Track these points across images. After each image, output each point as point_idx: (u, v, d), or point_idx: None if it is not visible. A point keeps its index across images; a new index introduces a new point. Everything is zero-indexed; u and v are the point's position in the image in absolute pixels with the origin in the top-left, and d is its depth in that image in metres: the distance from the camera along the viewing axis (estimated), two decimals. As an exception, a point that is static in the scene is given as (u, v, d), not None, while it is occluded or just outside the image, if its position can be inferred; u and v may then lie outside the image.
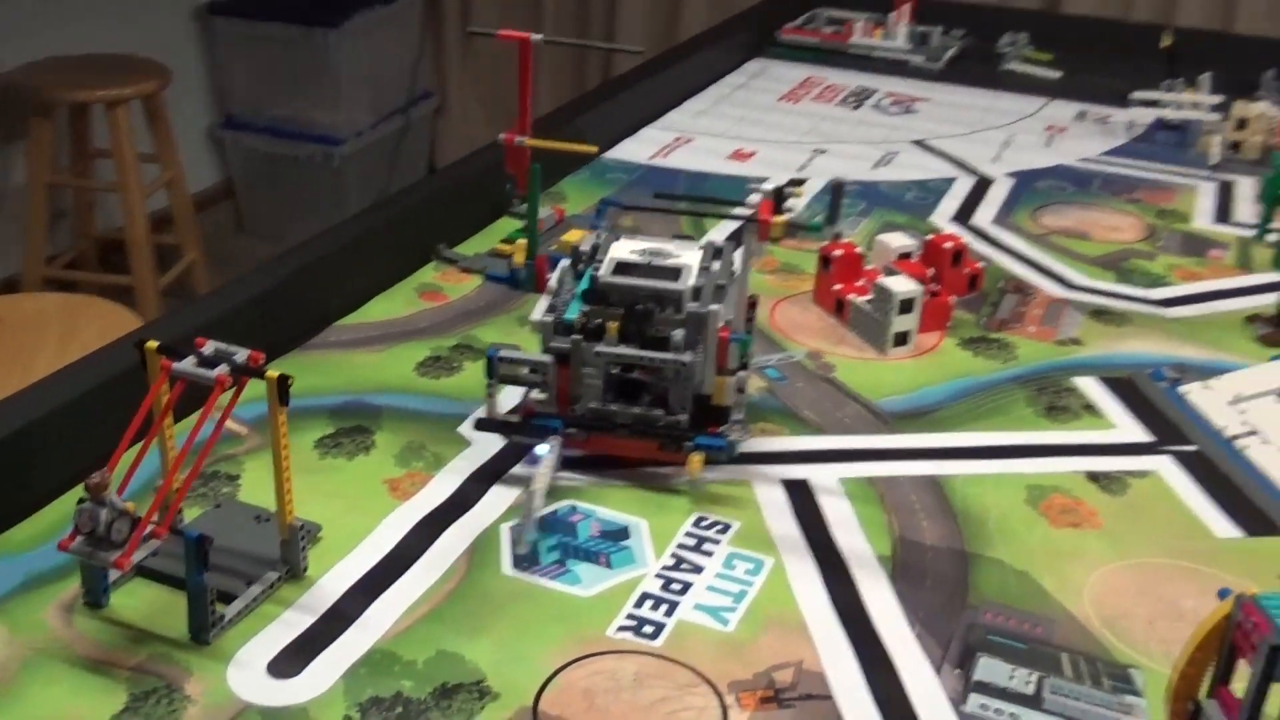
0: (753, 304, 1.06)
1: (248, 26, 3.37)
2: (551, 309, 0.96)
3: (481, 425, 0.98)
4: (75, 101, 2.81)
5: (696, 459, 0.93)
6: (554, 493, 0.93)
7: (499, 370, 0.95)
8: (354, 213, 1.47)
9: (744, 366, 0.96)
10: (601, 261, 0.96)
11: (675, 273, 0.95)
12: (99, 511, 0.74)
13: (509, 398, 0.99)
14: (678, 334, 0.92)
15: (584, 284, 0.97)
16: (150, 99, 2.87)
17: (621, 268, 0.95)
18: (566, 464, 0.96)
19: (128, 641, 0.78)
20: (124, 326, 1.72)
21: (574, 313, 0.95)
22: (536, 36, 1.09)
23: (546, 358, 0.94)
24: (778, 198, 0.96)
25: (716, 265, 0.98)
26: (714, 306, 0.92)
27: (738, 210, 1.04)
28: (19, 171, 2.95)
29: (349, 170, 3.46)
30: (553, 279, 0.98)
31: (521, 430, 0.97)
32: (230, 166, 3.58)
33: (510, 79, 1.30)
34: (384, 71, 3.53)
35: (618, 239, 1.00)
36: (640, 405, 0.95)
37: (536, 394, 0.96)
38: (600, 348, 0.93)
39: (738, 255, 1.03)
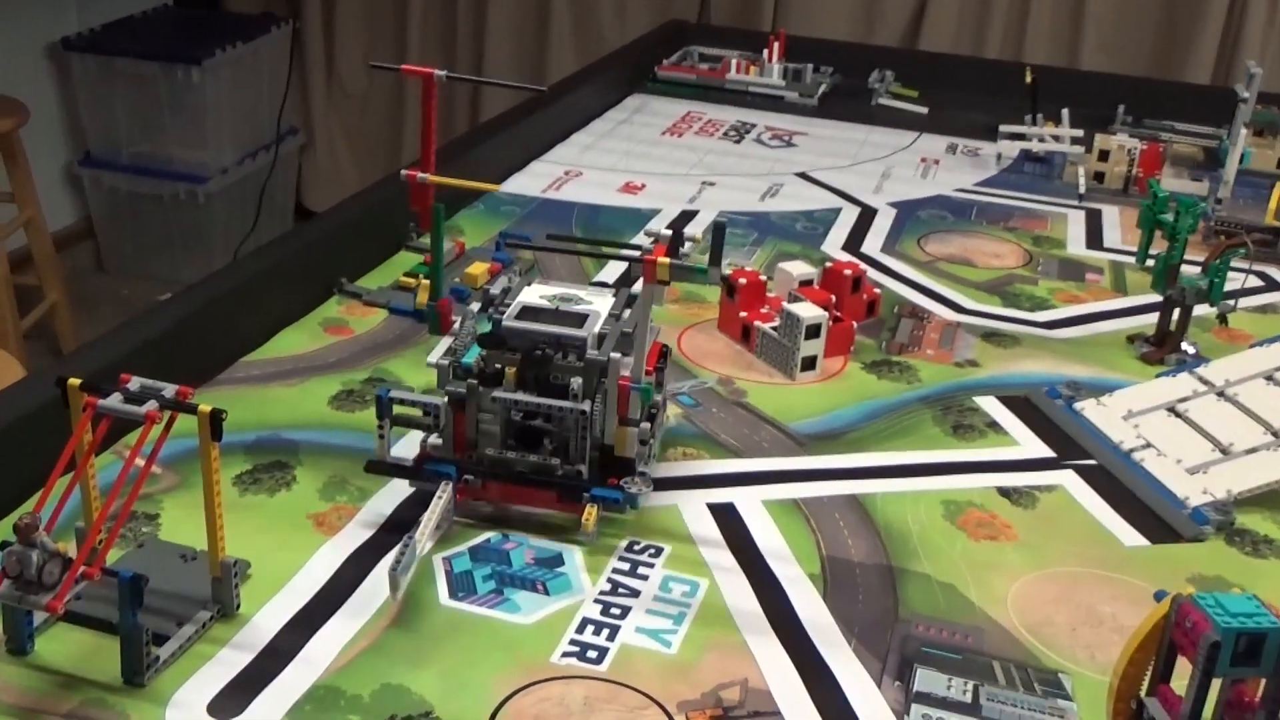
0: (663, 352, 1.01)
1: (105, 63, 3.27)
2: (451, 351, 0.94)
3: (371, 468, 0.94)
4: (-75, 139, 2.69)
5: (591, 513, 0.90)
6: (448, 538, 0.92)
7: (389, 411, 0.92)
8: (219, 250, 1.45)
9: (652, 417, 0.95)
10: (508, 305, 0.94)
11: (580, 319, 0.93)
12: (29, 554, 0.71)
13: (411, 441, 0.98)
14: (576, 381, 0.89)
15: (485, 327, 0.94)
16: (5, 137, 2.76)
17: (526, 312, 0.94)
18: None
19: (57, 688, 0.75)
20: (2, 368, 1.65)
21: (474, 356, 0.93)
22: (440, 73, 1.08)
23: (438, 400, 0.91)
24: (673, 242, 0.91)
25: (628, 313, 0.96)
26: (614, 354, 0.90)
27: (625, 251, 1.01)
28: None
29: (214, 207, 3.38)
30: (456, 321, 0.96)
31: (413, 475, 0.94)
32: (90, 205, 3.47)
33: (376, 117, 1.31)
34: (249, 108, 3.47)
35: (530, 283, 0.99)
36: (540, 454, 0.92)
37: (434, 438, 0.92)
38: (497, 393, 0.90)
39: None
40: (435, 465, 0.92)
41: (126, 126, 3.34)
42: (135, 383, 0.79)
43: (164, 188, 3.35)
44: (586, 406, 0.89)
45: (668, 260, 0.87)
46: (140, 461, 0.77)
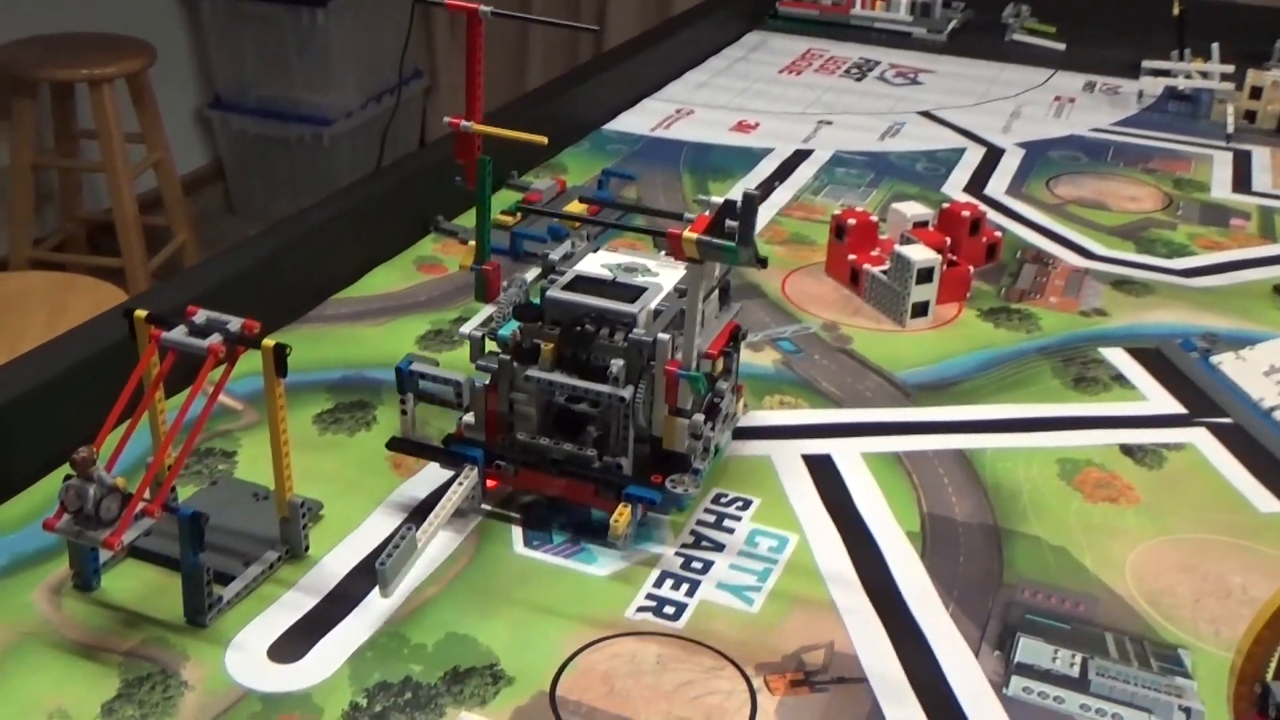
0: (736, 334, 0.88)
1: (233, 5, 3.31)
2: (488, 321, 0.84)
3: (393, 445, 0.86)
4: (58, 80, 2.75)
5: (623, 514, 0.79)
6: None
7: (412, 386, 0.85)
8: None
9: (713, 407, 0.84)
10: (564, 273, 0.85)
11: (637, 292, 0.82)
12: (86, 488, 0.69)
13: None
14: (616, 364, 0.79)
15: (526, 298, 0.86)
16: (135, 78, 2.81)
17: (579, 282, 0.83)
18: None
19: (120, 625, 0.74)
20: (114, 303, 1.67)
21: (511, 329, 0.82)
22: (485, 8, 0.98)
23: (460, 376, 0.84)
24: (722, 212, 0.77)
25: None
26: (662, 335, 0.79)
27: (658, 223, 0.88)
28: (3, 152, 2.89)
29: (339, 151, 3.40)
30: (506, 288, 0.86)
31: (437, 456, 0.85)
32: (219, 147, 3.52)
33: (501, 58, 1.25)
34: (373, 51, 3.48)
35: (596, 249, 0.89)
36: (580, 443, 0.82)
37: (468, 417, 0.85)
38: (532, 371, 0.81)
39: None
40: (461, 447, 0.84)
41: (254, 69, 3.38)
42: (201, 315, 0.76)
43: (289, 130, 3.38)
44: (627, 393, 0.79)
45: (694, 236, 0.75)
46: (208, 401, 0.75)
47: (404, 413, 0.87)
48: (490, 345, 0.83)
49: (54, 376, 0.89)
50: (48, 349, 0.93)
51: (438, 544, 0.81)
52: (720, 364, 0.84)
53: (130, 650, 0.72)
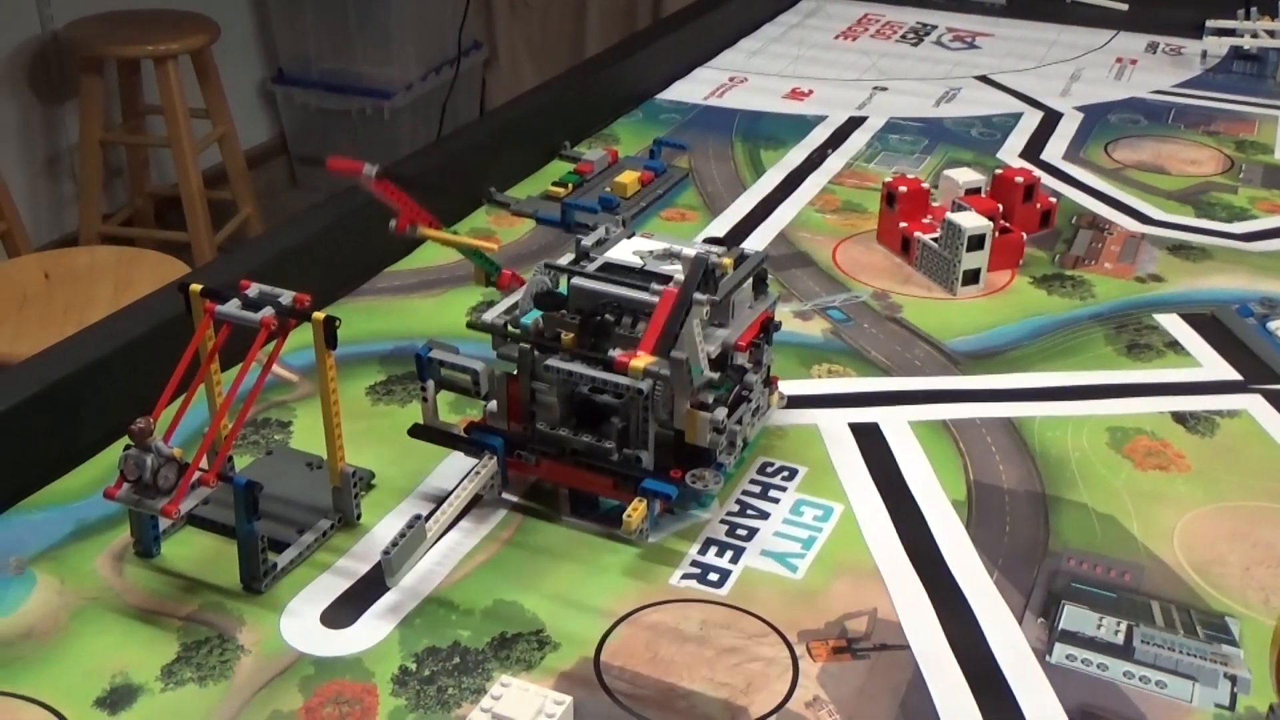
0: (767, 325, 0.86)
1: (295, -20, 3.34)
2: (511, 308, 0.83)
3: (415, 432, 0.85)
4: (124, 57, 2.79)
5: (637, 509, 0.77)
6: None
7: (433, 372, 0.83)
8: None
9: (741, 400, 0.82)
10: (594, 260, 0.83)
11: (664, 280, 0.79)
12: (144, 458, 0.72)
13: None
14: None
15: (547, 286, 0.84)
16: (199, 54, 2.84)
17: (606, 269, 0.82)
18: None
19: (179, 591, 0.76)
20: (178, 277, 1.70)
21: (533, 318, 0.81)
22: (369, 168, 0.86)
23: (478, 364, 0.82)
24: (706, 276, 0.75)
25: (730, 276, 0.81)
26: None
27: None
28: (72, 129, 2.95)
29: (400, 123, 3.43)
30: (534, 275, 0.84)
31: (459, 444, 0.84)
32: (283, 121, 3.56)
33: (558, 28, 1.25)
34: (433, 23, 3.49)
35: (631, 235, 0.87)
36: (603, 435, 0.80)
37: (492, 404, 0.83)
38: (552, 361, 0.79)
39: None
40: (482, 435, 0.83)
41: (316, 43, 3.41)
42: (254, 289, 0.78)
43: (351, 104, 3.41)
44: (646, 385, 0.76)
45: (643, 364, 0.73)
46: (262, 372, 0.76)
47: (424, 399, 0.84)
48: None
49: (116, 349, 0.92)
50: (110, 322, 0.96)
51: (487, 512, 0.82)
52: (750, 356, 0.83)
53: (189, 615, 0.74)
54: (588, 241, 0.86)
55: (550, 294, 0.82)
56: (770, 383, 0.89)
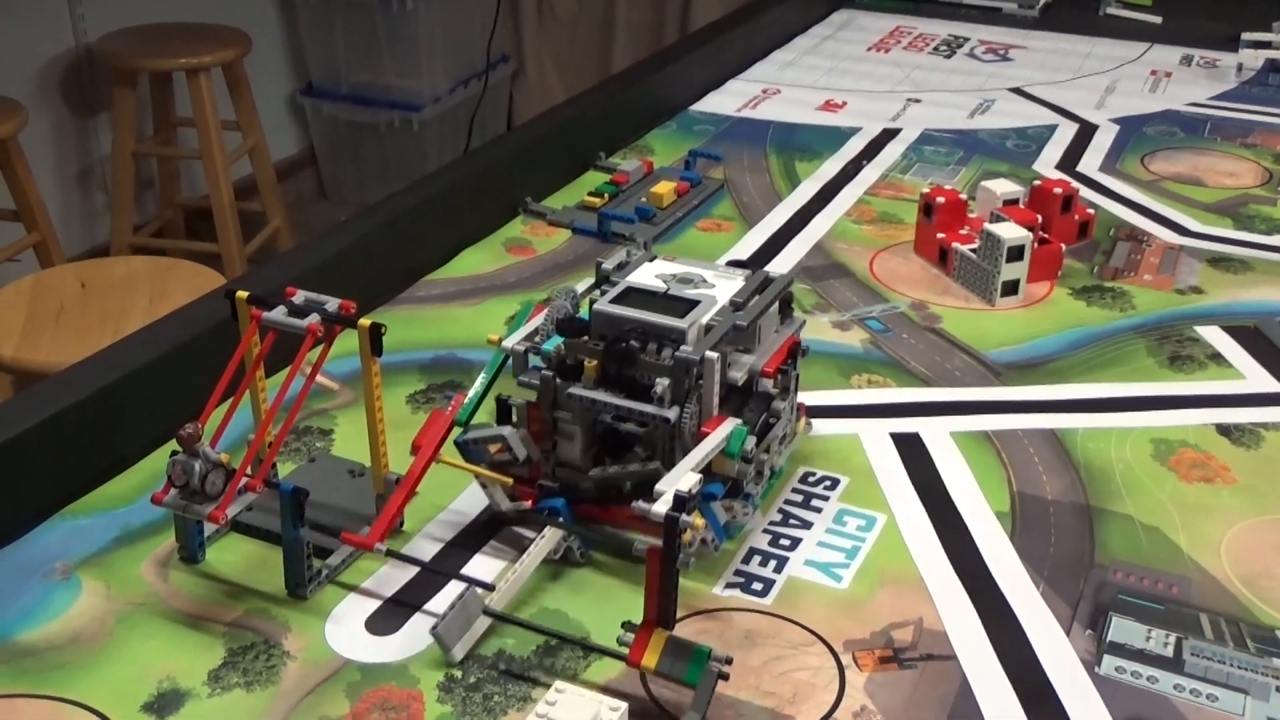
0: (795, 350, 0.83)
1: (326, -6, 3.36)
2: (533, 334, 0.80)
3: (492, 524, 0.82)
4: (156, 70, 2.82)
5: (694, 527, 0.68)
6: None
7: (477, 458, 0.80)
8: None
9: (768, 427, 0.79)
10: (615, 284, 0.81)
11: (689, 306, 0.77)
12: (192, 464, 0.72)
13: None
14: (662, 382, 0.74)
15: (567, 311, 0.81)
16: (230, 67, 2.86)
17: (629, 294, 0.79)
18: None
19: (224, 596, 0.76)
20: (212, 288, 1.71)
21: (555, 344, 0.78)
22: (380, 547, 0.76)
23: (505, 430, 0.79)
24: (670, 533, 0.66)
25: (756, 299, 0.79)
26: (709, 353, 0.75)
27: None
28: (104, 141, 2.97)
29: (428, 136, 3.44)
30: (556, 300, 0.82)
31: (530, 519, 0.81)
32: (312, 134, 3.58)
33: (586, 42, 1.25)
34: (461, 37, 3.51)
35: (653, 259, 0.85)
36: (625, 464, 0.78)
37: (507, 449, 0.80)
38: (574, 389, 0.76)
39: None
40: (547, 501, 0.79)
41: (345, 57, 3.43)
42: (300, 296, 0.78)
43: (380, 116, 3.43)
44: (672, 414, 0.74)
45: (653, 661, 0.67)
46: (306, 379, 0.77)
47: (484, 486, 0.80)
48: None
49: (159, 356, 0.92)
50: (153, 330, 0.97)
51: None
52: (777, 383, 0.81)
53: (234, 621, 0.74)
54: (608, 265, 0.84)
55: (571, 319, 0.79)
56: (799, 409, 0.87)
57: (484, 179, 1.28)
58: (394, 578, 0.78)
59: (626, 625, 0.68)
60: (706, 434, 0.74)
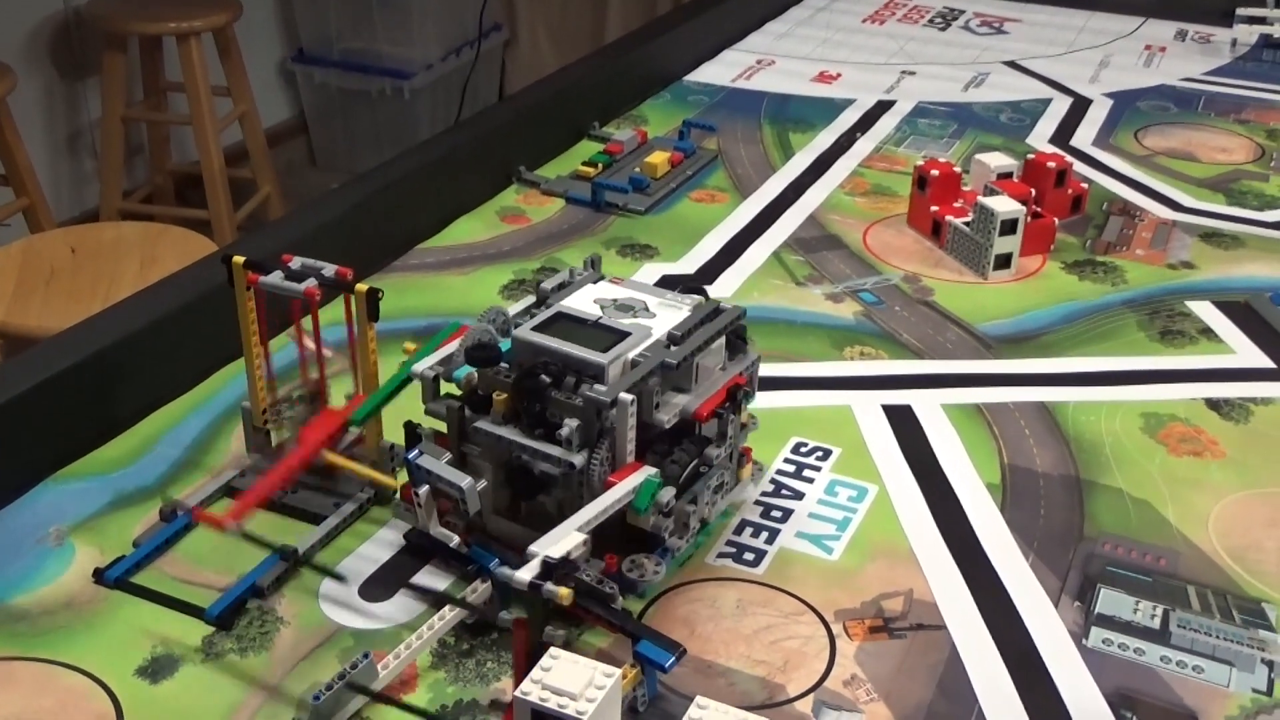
0: (734, 394, 0.74)
1: (316, -42, 3.34)
2: (447, 360, 0.73)
3: (409, 547, 0.77)
4: (146, 33, 2.79)
5: (563, 594, 0.59)
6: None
7: (422, 479, 0.72)
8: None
9: (696, 477, 0.72)
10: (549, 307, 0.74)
11: (618, 338, 0.70)
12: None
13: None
14: (570, 424, 0.68)
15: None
16: (221, 32, 2.84)
17: (557, 320, 0.72)
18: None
19: (217, 562, 0.76)
20: (203, 253, 1.70)
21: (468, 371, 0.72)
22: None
23: (466, 479, 0.70)
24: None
25: (698, 334, 0.71)
26: (623, 395, 0.67)
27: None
28: (94, 106, 2.95)
29: (420, 104, 3.42)
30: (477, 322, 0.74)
31: (454, 558, 0.75)
32: (303, 100, 3.56)
33: (578, 11, 1.25)
34: (454, 4, 3.49)
35: (598, 280, 0.77)
36: (537, 508, 0.72)
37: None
38: (481, 423, 0.71)
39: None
40: (479, 550, 0.73)
41: (337, 23, 3.40)
42: (296, 262, 0.78)
43: (371, 83, 3.41)
44: (579, 459, 0.68)
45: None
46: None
47: (417, 505, 0.73)
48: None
49: (153, 321, 0.92)
50: (146, 295, 0.96)
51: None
52: (716, 427, 0.74)
53: (227, 587, 0.74)
54: (549, 285, 0.78)
55: (483, 347, 0.72)
56: (744, 454, 0.79)
57: (478, 147, 1.27)
58: (388, 543, 0.78)
59: (493, 704, 0.65)
60: (614, 484, 0.68)
